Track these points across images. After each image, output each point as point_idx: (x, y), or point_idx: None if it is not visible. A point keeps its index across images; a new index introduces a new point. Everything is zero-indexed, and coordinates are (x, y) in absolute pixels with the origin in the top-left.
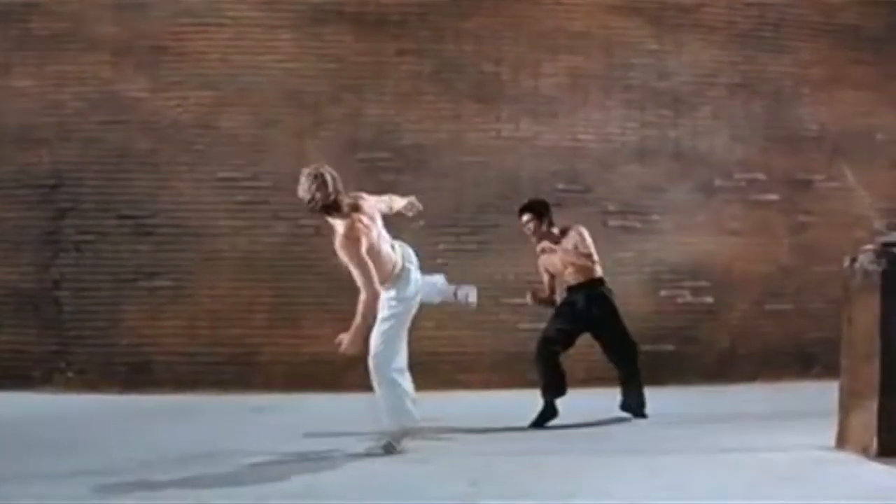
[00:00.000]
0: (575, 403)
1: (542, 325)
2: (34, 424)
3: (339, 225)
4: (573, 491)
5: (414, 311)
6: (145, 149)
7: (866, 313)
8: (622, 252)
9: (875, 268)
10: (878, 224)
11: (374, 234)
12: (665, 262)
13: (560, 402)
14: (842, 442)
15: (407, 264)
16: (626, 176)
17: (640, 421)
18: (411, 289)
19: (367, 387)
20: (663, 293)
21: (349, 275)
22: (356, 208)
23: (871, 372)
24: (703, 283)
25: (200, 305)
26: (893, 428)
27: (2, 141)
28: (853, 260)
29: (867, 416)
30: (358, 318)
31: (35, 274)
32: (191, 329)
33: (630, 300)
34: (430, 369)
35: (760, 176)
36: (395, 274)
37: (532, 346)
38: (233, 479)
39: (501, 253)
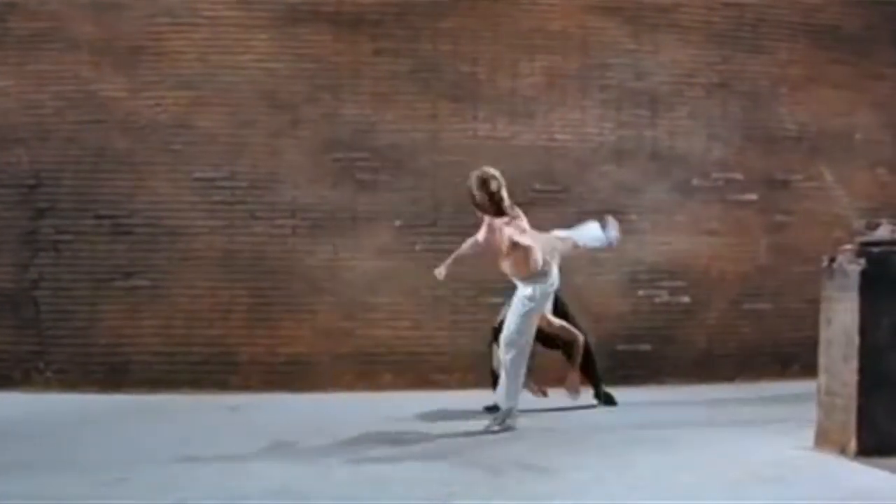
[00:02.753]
0: (553, 404)
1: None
2: (12, 424)
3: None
4: (551, 491)
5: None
6: (123, 148)
7: (845, 313)
8: (600, 252)
9: (853, 268)
10: (857, 224)
11: (505, 234)
12: (642, 261)
13: (537, 401)
14: (820, 442)
15: (543, 278)
16: (603, 176)
17: (619, 422)
18: (538, 293)
19: (341, 387)
20: (641, 293)
21: (323, 275)
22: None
23: (850, 372)
24: (680, 283)
25: (178, 305)
26: (872, 428)
27: None
28: (832, 260)
29: (846, 416)
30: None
31: (13, 274)
32: (168, 329)
33: (607, 300)
34: (407, 368)
35: (738, 176)
36: (534, 276)
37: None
38: (210, 479)
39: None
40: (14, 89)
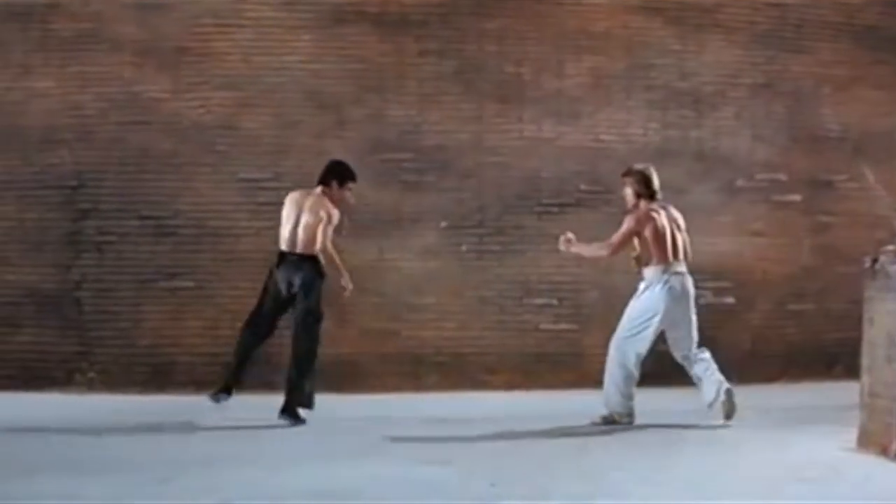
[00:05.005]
0: (595, 403)
1: (566, 326)
2: (56, 425)
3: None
4: (593, 491)
5: (658, 318)
6: (167, 150)
7: (887, 314)
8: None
9: (895, 269)
10: None
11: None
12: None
13: (582, 402)
14: (863, 443)
15: (671, 283)
16: None
17: (662, 422)
18: (658, 297)
19: (387, 388)
20: None
21: (369, 276)
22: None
23: (892, 373)
24: (724, 284)
25: (222, 306)
26: None
27: (24, 142)
28: (874, 260)
29: (888, 418)
30: (583, 249)
31: (56, 275)
32: (212, 330)
33: None
34: (454, 369)
35: (782, 176)
36: (660, 272)
37: (553, 347)
38: (253, 479)
39: (524, 253)
40: (57, 90)
